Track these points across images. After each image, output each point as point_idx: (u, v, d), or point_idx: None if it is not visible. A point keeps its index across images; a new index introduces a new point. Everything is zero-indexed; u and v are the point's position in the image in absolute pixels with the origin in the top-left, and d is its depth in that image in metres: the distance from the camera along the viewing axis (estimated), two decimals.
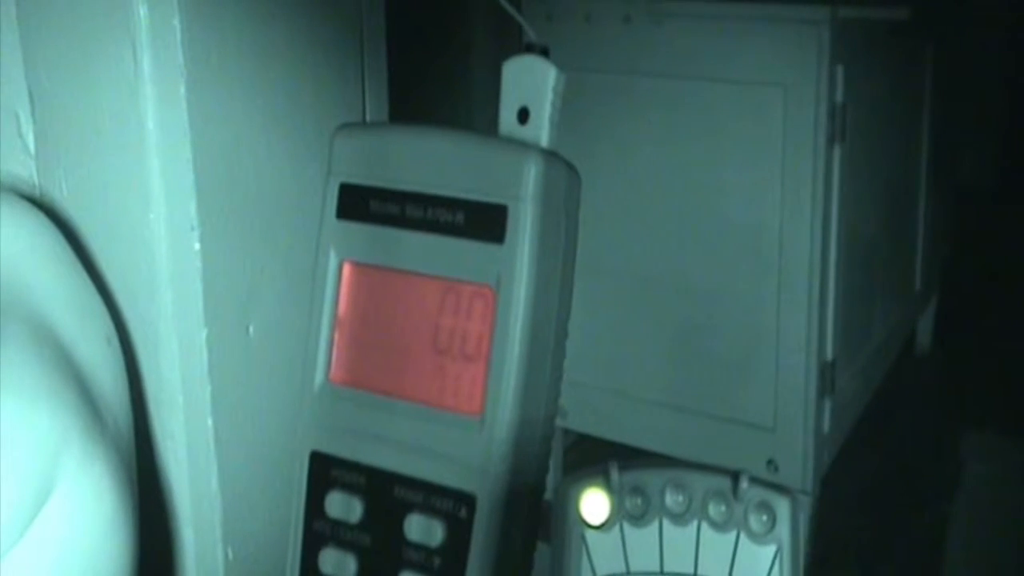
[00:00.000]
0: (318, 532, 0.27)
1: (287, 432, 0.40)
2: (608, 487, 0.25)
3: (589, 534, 0.25)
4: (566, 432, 0.80)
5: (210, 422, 0.37)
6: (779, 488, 0.26)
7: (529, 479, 0.26)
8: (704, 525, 0.25)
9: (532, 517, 0.26)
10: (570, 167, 0.26)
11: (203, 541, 0.38)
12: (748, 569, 0.25)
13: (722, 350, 0.81)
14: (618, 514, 0.25)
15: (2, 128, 0.38)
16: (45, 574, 0.30)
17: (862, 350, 0.87)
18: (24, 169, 0.38)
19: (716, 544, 0.25)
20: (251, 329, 0.38)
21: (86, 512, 0.31)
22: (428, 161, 0.26)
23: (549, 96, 0.27)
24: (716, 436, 0.79)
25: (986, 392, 0.90)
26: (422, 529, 0.26)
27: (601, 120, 0.77)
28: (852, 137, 0.78)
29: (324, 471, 0.27)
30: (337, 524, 0.27)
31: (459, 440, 0.25)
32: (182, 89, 0.35)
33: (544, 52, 0.27)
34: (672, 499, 0.25)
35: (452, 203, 0.26)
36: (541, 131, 0.27)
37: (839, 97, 0.76)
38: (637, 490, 0.25)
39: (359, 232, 0.27)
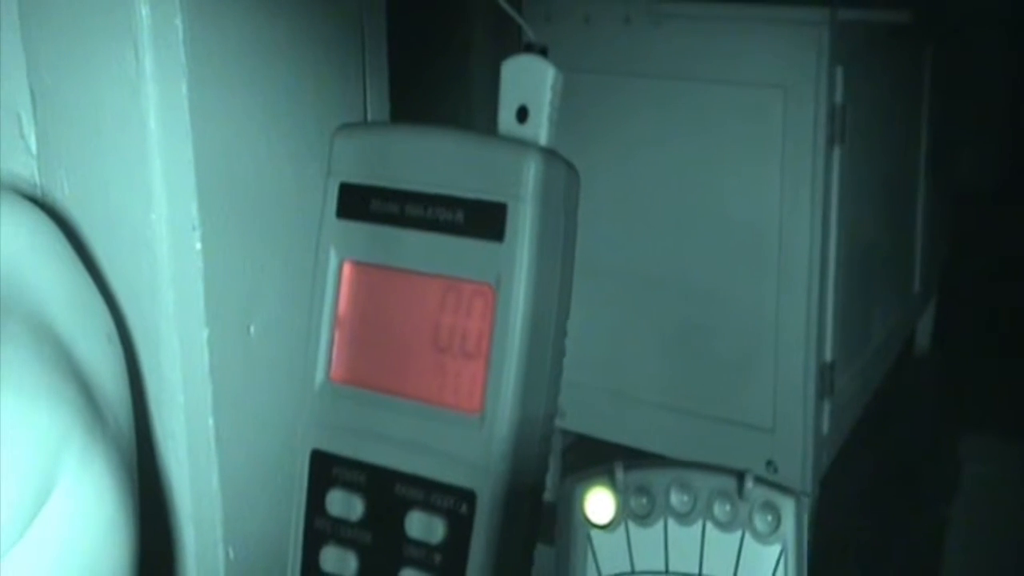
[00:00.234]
0: (319, 530, 0.28)
1: (288, 432, 0.40)
2: (613, 486, 0.25)
3: (594, 533, 0.25)
4: (565, 433, 0.80)
5: (211, 421, 0.37)
6: (784, 488, 0.26)
7: (529, 476, 0.26)
8: (709, 525, 0.25)
9: (532, 514, 0.26)
10: (569, 166, 0.26)
11: (204, 540, 0.38)
12: (753, 569, 0.25)
13: (721, 351, 0.81)
14: (623, 514, 0.25)
15: (4, 128, 0.39)
16: (46, 573, 0.30)
17: (861, 351, 0.87)
18: (25, 169, 0.39)
19: (721, 544, 0.25)
20: (252, 329, 0.38)
21: (87, 511, 0.31)
22: (428, 160, 0.26)
23: (548, 95, 0.27)
24: (715, 437, 0.79)
25: (985, 393, 0.90)
26: (423, 526, 0.26)
27: (600, 121, 0.77)
28: (852, 138, 0.78)
29: (325, 469, 0.28)
30: (338, 522, 0.27)
31: (459, 437, 0.26)
32: (184, 89, 0.35)
33: (543, 52, 0.27)
34: (677, 499, 0.25)
35: (452, 202, 0.26)
36: (540, 130, 0.27)
37: (839, 98, 0.76)
38: (642, 490, 0.25)
39: (359, 231, 0.27)
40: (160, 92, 0.35)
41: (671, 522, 0.25)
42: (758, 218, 0.78)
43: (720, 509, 0.25)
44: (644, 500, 0.25)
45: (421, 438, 0.26)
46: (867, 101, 0.81)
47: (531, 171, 0.25)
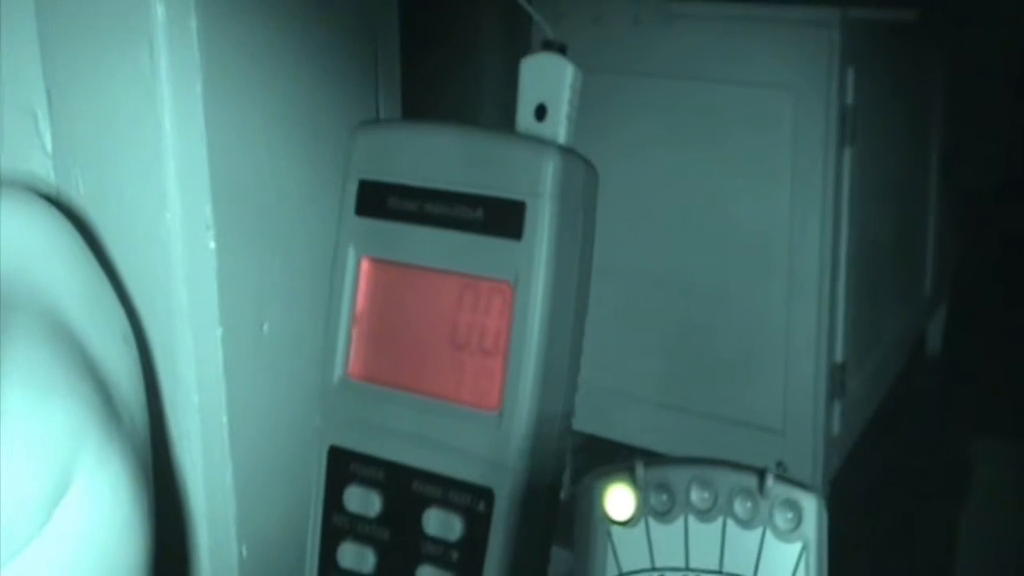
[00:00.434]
0: (337, 526, 0.28)
1: (302, 430, 0.40)
2: (633, 483, 0.25)
3: (614, 530, 0.25)
4: (574, 433, 0.80)
5: (225, 420, 0.37)
6: (805, 486, 0.26)
7: (547, 474, 0.26)
8: (729, 522, 0.25)
9: (550, 512, 0.26)
10: (587, 164, 0.26)
11: (217, 538, 0.38)
12: (774, 566, 0.25)
13: (732, 352, 0.81)
14: (643, 510, 0.25)
15: (19, 126, 0.39)
16: (63, 569, 0.30)
17: (872, 353, 0.87)
18: (41, 167, 0.39)
19: (742, 541, 0.25)
20: (265, 327, 0.38)
21: (103, 508, 0.31)
22: (446, 158, 0.26)
23: (566, 93, 0.27)
24: (726, 437, 0.79)
25: (996, 395, 0.90)
26: (440, 523, 0.26)
27: (609, 120, 0.77)
28: (862, 139, 0.78)
29: (343, 466, 0.28)
30: (356, 518, 0.27)
31: (477, 435, 0.26)
32: (198, 89, 0.35)
33: (561, 50, 0.27)
34: (697, 496, 0.25)
35: (470, 199, 0.26)
36: (558, 128, 0.27)
37: (849, 99, 0.76)
38: (662, 486, 0.25)
39: (377, 228, 0.27)
40: (175, 92, 0.35)
41: (691, 519, 0.25)
42: (768, 219, 0.78)
43: (740, 506, 0.25)
44: (664, 497, 0.25)
45: (439, 435, 0.26)
46: (878, 102, 0.81)
47: (550, 169, 0.25)
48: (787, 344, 0.78)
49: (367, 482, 0.27)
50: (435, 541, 0.26)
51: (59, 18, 0.37)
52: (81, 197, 0.38)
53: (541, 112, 0.27)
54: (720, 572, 0.25)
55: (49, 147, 0.38)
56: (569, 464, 0.27)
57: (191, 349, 0.37)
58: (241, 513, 0.38)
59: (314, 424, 0.28)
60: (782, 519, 0.25)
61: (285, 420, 0.40)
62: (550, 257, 0.25)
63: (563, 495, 0.26)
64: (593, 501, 0.25)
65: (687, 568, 0.25)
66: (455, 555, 0.26)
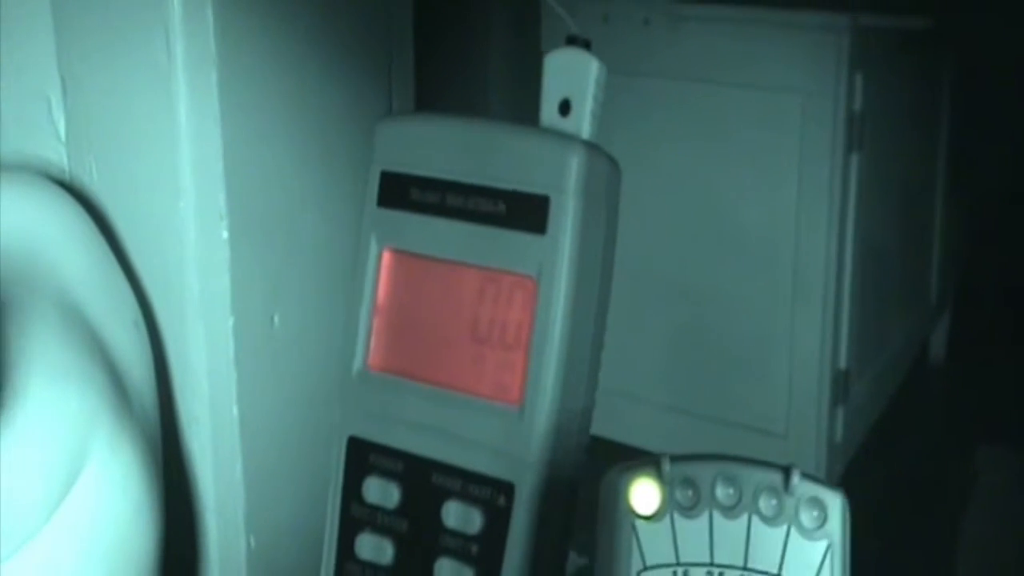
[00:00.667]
0: (355, 517, 0.28)
1: (312, 422, 0.40)
2: (659, 478, 0.25)
3: (639, 524, 0.25)
4: None
5: (235, 410, 0.37)
6: (831, 485, 0.26)
7: (567, 468, 0.26)
8: (755, 519, 0.25)
9: (569, 507, 0.26)
10: (611, 159, 0.26)
11: (226, 529, 0.38)
12: (799, 564, 0.25)
13: (736, 356, 0.81)
14: (669, 505, 0.25)
15: (33, 113, 0.39)
16: (74, 554, 0.30)
17: (876, 359, 0.87)
18: (55, 154, 0.39)
19: (767, 538, 0.25)
20: (276, 319, 0.38)
21: (114, 494, 0.31)
22: (469, 151, 0.26)
23: (591, 89, 0.27)
24: (729, 442, 0.79)
25: (1000, 404, 0.90)
26: (460, 516, 0.26)
27: (616, 121, 0.77)
28: (870, 146, 0.78)
29: (362, 456, 0.28)
30: (375, 509, 0.27)
31: (498, 429, 0.26)
32: (214, 78, 0.35)
33: (586, 45, 0.27)
34: (723, 492, 0.25)
35: (493, 193, 0.26)
36: (582, 123, 0.27)
37: (857, 105, 0.76)
38: (688, 482, 0.25)
39: (400, 220, 0.27)
40: (190, 82, 0.35)
41: (716, 515, 0.25)
42: (774, 223, 0.78)
43: (766, 503, 0.25)
44: (690, 492, 0.25)
45: (459, 428, 0.26)
46: (886, 108, 0.81)
47: (574, 164, 0.25)
48: (791, 349, 0.78)
49: (386, 473, 0.27)
50: (454, 534, 0.26)
51: (75, 6, 0.37)
52: (94, 184, 0.38)
53: (565, 107, 0.27)
54: (745, 568, 0.25)
55: (63, 134, 0.38)
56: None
57: (202, 338, 0.36)
58: (250, 504, 0.38)
59: (334, 415, 0.28)
60: (807, 517, 0.25)
61: (295, 411, 0.39)
62: (573, 252, 0.25)
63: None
64: (618, 495, 0.24)
65: (712, 564, 0.25)
66: (474, 548, 0.26)
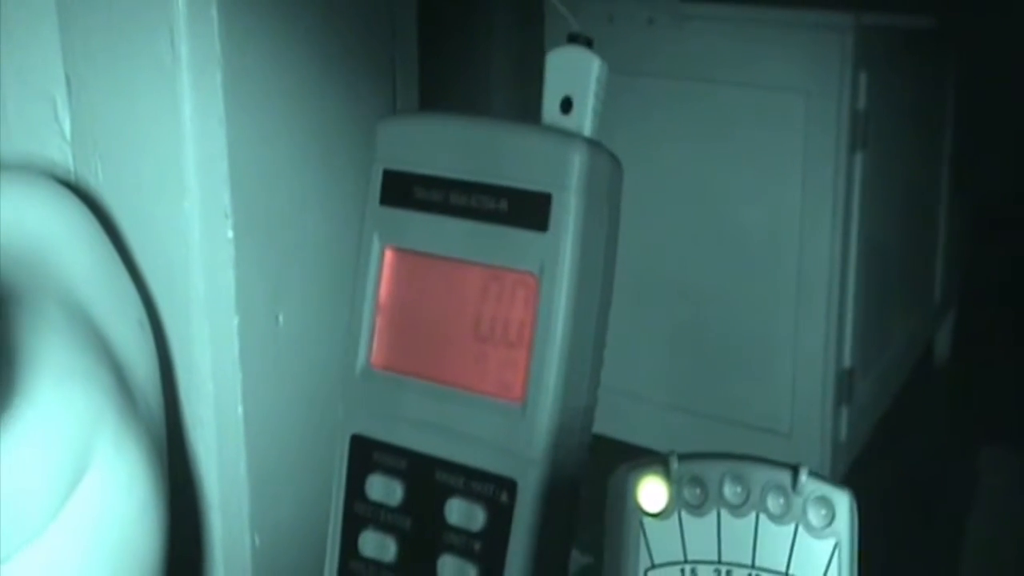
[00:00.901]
0: (359, 514, 0.28)
1: (316, 421, 0.40)
2: (667, 476, 0.25)
3: (647, 521, 0.25)
4: None
5: (240, 409, 0.37)
6: (838, 483, 0.26)
7: (570, 466, 0.26)
8: (762, 517, 0.25)
9: (572, 504, 0.26)
10: (613, 156, 0.26)
11: (230, 527, 0.38)
12: (806, 562, 0.25)
13: (739, 355, 0.81)
14: (676, 503, 0.25)
15: (38, 113, 0.39)
16: (79, 553, 0.30)
17: (880, 359, 0.87)
18: (60, 154, 0.39)
19: (774, 536, 0.25)
20: (281, 318, 0.39)
21: (119, 493, 0.31)
22: (472, 149, 0.26)
23: (592, 86, 0.27)
24: (733, 441, 0.79)
25: (1003, 404, 0.89)
26: (463, 513, 0.26)
27: (620, 121, 0.77)
28: (874, 145, 0.78)
29: (365, 454, 0.28)
30: (378, 507, 0.27)
31: (500, 426, 0.26)
32: (219, 78, 0.35)
33: (588, 43, 0.27)
34: (730, 490, 0.25)
35: (495, 191, 0.26)
36: (584, 121, 0.27)
37: (861, 104, 0.76)
38: (696, 480, 0.25)
39: (402, 218, 0.27)
40: (195, 82, 0.35)
41: (724, 513, 0.25)
42: (778, 222, 0.78)
43: (774, 502, 0.25)
44: (698, 490, 0.25)
45: (461, 425, 0.26)
46: (890, 108, 0.81)
47: (576, 161, 0.25)
48: (795, 348, 0.78)
49: (389, 471, 0.27)
50: (457, 531, 0.26)
51: (80, 6, 0.37)
52: (99, 184, 0.38)
53: (567, 105, 0.27)
54: (752, 566, 0.25)
55: (68, 133, 0.38)
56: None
57: (207, 338, 0.37)
58: (254, 502, 0.38)
59: (337, 413, 0.28)
60: (815, 515, 0.25)
61: (299, 410, 0.40)
62: (575, 249, 0.25)
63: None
64: (626, 493, 0.25)
65: (719, 562, 0.25)
66: (477, 545, 0.26)
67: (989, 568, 0.72)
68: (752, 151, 0.79)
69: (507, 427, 0.25)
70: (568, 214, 0.25)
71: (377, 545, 0.27)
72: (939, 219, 1.00)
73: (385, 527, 0.27)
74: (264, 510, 0.39)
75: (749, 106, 0.79)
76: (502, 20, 0.88)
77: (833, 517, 0.25)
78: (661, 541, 0.25)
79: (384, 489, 0.27)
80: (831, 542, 0.25)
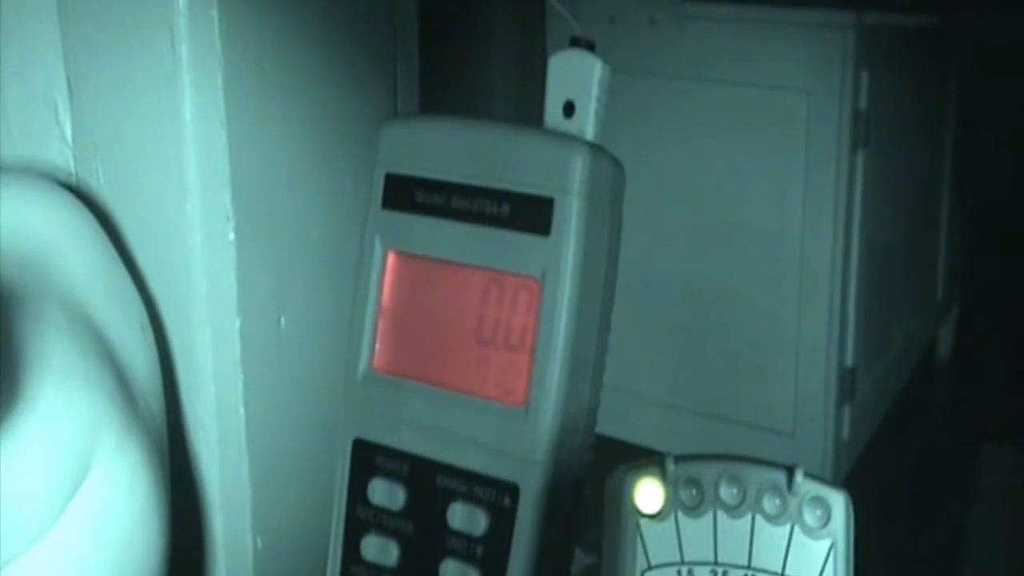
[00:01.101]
0: (361, 518, 0.28)
1: (318, 423, 0.40)
2: (663, 477, 0.25)
3: (643, 523, 0.25)
4: None
5: (242, 412, 0.37)
6: (834, 484, 0.26)
7: (572, 469, 0.26)
8: (758, 518, 0.25)
9: (574, 507, 0.26)
10: (615, 161, 0.26)
11: (232, 530, 0.38)
12: (802, 563, 0.25)
13: (742, 355, 0.80)
14: (673, 504, 0.25)
15: (39, 116, 0.39)
16: (81, 555, 0.30)
17: (882, 357, 0.87)
18: (61, 157, 0.39)
19: (770, 537, 0.25)
20: (282, 320, 0.38)
21: (121, 496, 0.31)
22: (474, 153, 0.26)
23: (595, 90, 0.27)
24: (735, 440, 0.79)
25: (1007, 403, 0.89)
26: (465, 518, 0.26)
27: (622, 121, 0.77)
28: (875, 144, 0.77)
29: (367, 458, 0.28)
30: (380, 511, 0.27)
31: (503, 430, 0.26)
32: (219, 80, 0.35)
33: (590, 47, 0.27)
34: (727, 491, 0.25)
35: (498, 195, 0.26)
36: (586, 125, 0.27)
37: (863, 103, 0.76)
38: (692, 481, 0.25)
39: (404, 222, 0.27)
40: (196, 83, 0.35)
41: (720, 514, 0.25)
42: (780, 222, 0.77)
43: (769, 503, 0.25)
44: (694, 492, 0.25)
45: (464, 430, 0.26)
46: (892, 106, 0.81)
47: (578, 166, 0.25)
48: (798, 347, 0.78)
49: (392, 475, 0.27)
50: (459, 535, 0.26)
51: (81, 7, 0.37)
52: (100, 187, 0.38)
53: (569, 108, 0.27)
54: (749, 567, 0.25)
55: (69, 136, 0.38)
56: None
57: (209, 340, 0.37)
58: (256, 504, 0.38)
59: (339, 416, 0.28)
60: (811, 516, 0.25)
61: (301, 413, 0.40)
62: (578, 253, 0.25)
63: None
64: (623, 494, 0.25)
65: (716, 563, 0.25)
66: (479, 550, 0.26)
67: (990, 567, 0.72)
68: (754, 150, 0.79)
69: (509, 431, 0.25)
70: (570, 219, 0.25)
71: (379, 549, 0.27)
72: (941, 218, 1.00)
73: (387, 531, 0.27)
74: (266, 512, 0.39)
75: (750, 106, 0.78)
76: (503, 21, 0.88)
77: (829, 518, 0.25)
78: (658, 542, 0.25)
79: (386, 493, 0.27)
80: (827, 543, 0.25)
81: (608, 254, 0.26)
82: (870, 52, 0.75)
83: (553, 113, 0.27)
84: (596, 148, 0.26)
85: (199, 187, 0.36)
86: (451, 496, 0.26)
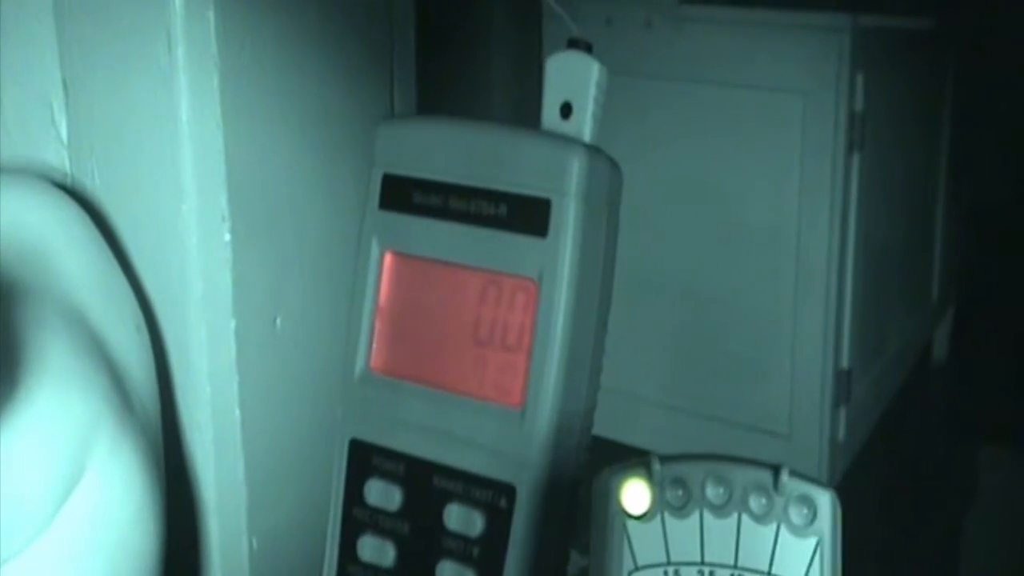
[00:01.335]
0: (357, 519, 0.28)
1: (313, 424, 0.40)
2: (649, 478, 0.25)
3: (630, 524, 0.25)
4: None
5: (237, 412, 0.37)
6: (820, 482, 0.26)
7: (568, 471, 0.26)
8: (745, 517, 0.25)
9: (570, 508, 0.26)
10: (612, 162, 0.26)
11: (228, 531, 0.38)
12: (788, 561, 0.25)
13: (738, 356, 0.81)
14: (659, 505, 0.25)
15: (35, 116, 0.39)
16: (76, 557, 0.30)
17: (878, 359, 0.87)
18: (56, 158, 0.39)
19: (756, 536, 0.25)
20: (278, 321, 0.38)
21: (115, 497, 0.31)
22: (471, 153, 0.26)
23: (592, 91, 0.27)
24: (731, 441, 0.79)
25: (1002, 403, 0.89)
26: (461, 519, 0.26)
27: (619, 123, 0.77)
28: (871, 146, 0.78)
29: (364, 459, 0.27)
30: (376, 511, 0.27)
31: (499, 431, 0.26)
32: (216, 81, 0.35)
33: (588, 48, 0.27)
34: (713, 491, 0.25)
35: (495, 196, 0.26)
36: (584, 126, 0.27)
37: (859, 105, 0.76)
38: (678, 481, 0.25)
39: (401, 223, 0.27)
40: (192, 84, 0.35)
41: (707, 514, 0.25)
42: (776, 223, 0.78)
43: (755, 502, 0.25)
44: (680, 492, 0.25)
45: (460, 430, 0.26)
46: (887, 108, 0.81)
47: (575, 167, 0.25)
48: (794, 349, 0.78)
49: (388, 476, 0.27)
50: (456, 536, 0.26)
51: (76, 7, 0.37)
52: (96, 188, 0.38)
53: (567, 110, 0.27)
54: (735, 567, 0.25)
55: (65, 137, 0.38)
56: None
57: (204, 341, 0.37)
58: (252, 505, 0.38)
59: (336, 416, 0.28)
60: (797, 515, 0.25)
61: (297, 413, 0.40)
62: (575, 255, 0.25)
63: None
64: (610, 495, 0.25)
65: (702, 563, 0.25)
66: (476, 551, 0.26)
67: (988, 568, 0.72)
68: (750, 152, 0.79)
69: (506, 432, 0.25)
70: (568, 220, 0.25)
71: (376, 550, 0.27)
72: (937, 219, 1.00)
73: (384, 532, 0.27)
74: (261, 513, 0.38)
75: (747, 107, 0.79)
76: (501, 21, 0.88)
77: (815, 516, 0.26)
78: (644, 543, 0.25)
79: (383, 494, 0.27)
80: (813, 541, 0.25)
81: (605, 256, 0.26)
82: (866, 54, 0.76)
83: (550, 114, 0.27)
84: (593, 150, 0.26)
85: (195, 188, 0.36)
86: (447, 497, 0.26)
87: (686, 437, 0.81)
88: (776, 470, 0.26)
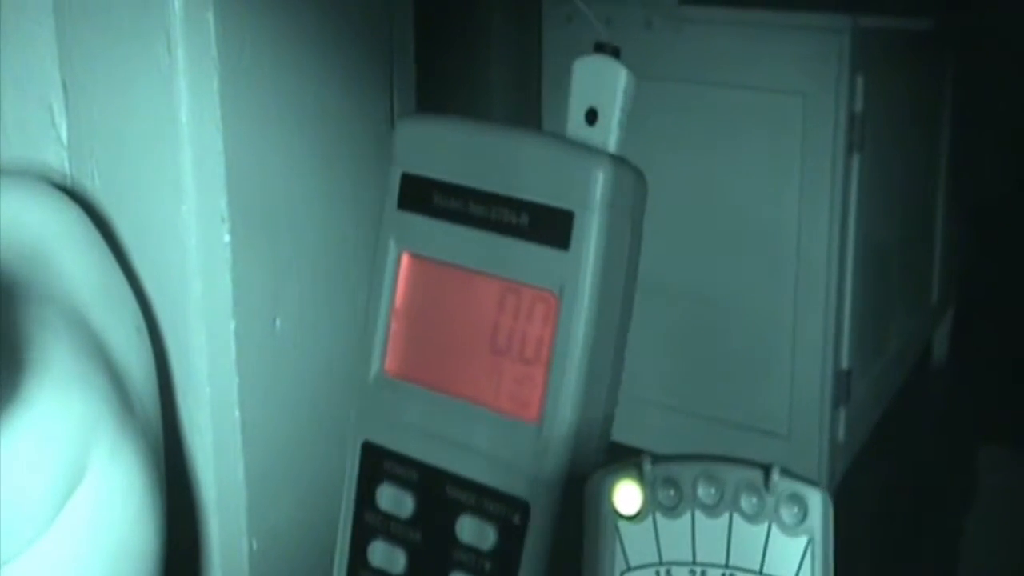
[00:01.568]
0: (369, 523, 0.27)
1: (314, 424, 0.40)
2: (641, 479, 0.25)
3: (622, 524, 0.25)
4: None
5: (237, 414, 0.37)
6: (811, 481, 0.26)
7: (583, 487, 0.25)
8: (736, 517, 0.25)
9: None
10: (637, 172, 0.26)
11: (228, 532, 0.38)
12: (780, 560, 0.25)
13: (737, 357, 0.80)
14: (651, 505, 0.25)
15: (35, 118, 0.39)
16: (76, 559, 0.30)
17: (878, 359, 0.87)
18: (56, 159, 0.39)
19: (748, 535, 0.25)
20: (278, 322, 0.38)
21: (116, 499, 0.31)
22: (494, 158, 0.25)
23: (619, 98, 0.26)
24: (730, 442, 0.79)
25: (1003, 404, 0.89)
26: (474, 532, 0.25)
27: None
28: (871, 146, 0.78)
29: (376, 462, 0.27)
30: (388, 517, 0.27)
31: (514, 445, 0.25)
32: (215, 83, 0.35)
33: (615, 53, 0.26)
34: (704, 491, 0.25)
35: (516, 204, 0.25)
36: (609, 134, 0.26)
37: (858, 106, 0.76)
38: (669, 482, 0.25)
39: (420, 224, 0.26)
40: (191, 86, 0.35)
41: (698, 514, 0.25)
42: (776, 224, 0.77)
43: (747, 501, 0.25)
44: (671, 492, 0.25)
45: (474, 441, 0.25)
46: (887, 109, 0.81)
47: (600, 180, 0.24)
48: (793, 349, 0.78)
49: (400, 482, 0.26)
50: (467, 549, 0.25)
51: (76, 9, 0.37)
52: (96, 189, 0.38)
53: (592, 116, 0.26)
54: (727, 566, 0.25)
55: (65, 138, 0.38)
56: None
57: (204, 342, 0.37)
58: (252, 506, 0.38)
59: (349, 417, 0.28)
60: (788, 514, 0.25)
61: (297, 414, 0.40)
62: (597, 269, 0.24)
63: None
64: (601, 496, 0.24)
65: (694, 562, 0.25)
66: (487, 565, 0.25)
67: (988, 568, 0.72)
68: (749, 153, 0.79)
69: (521, 447, 0.25)
70: (591, 234, 0.24)
71: (386, 556, 0.26)
72: (937, 220, 1.00)
73: (395, 539, 0.26)
74: (261, 514, 0.38)
75: (746, 108, 0.78)
76: (500, 21, 0.88)
77: (806, 515, 0.25)
78: (636, 543, 0.24)
79: (394, 500, 0.26)
80: (804, 539, 0.25)
81: (628, 268, 0.25)
82: (865, 55, 0.75)
83: (576, 120, 0.26)
84: (619, 160, 0.25)
85: (195, 189, 0.36)
86: (460, 508, 0.26)
87: (685, 437, 0.81)
88: (767, 469, 0.26)
